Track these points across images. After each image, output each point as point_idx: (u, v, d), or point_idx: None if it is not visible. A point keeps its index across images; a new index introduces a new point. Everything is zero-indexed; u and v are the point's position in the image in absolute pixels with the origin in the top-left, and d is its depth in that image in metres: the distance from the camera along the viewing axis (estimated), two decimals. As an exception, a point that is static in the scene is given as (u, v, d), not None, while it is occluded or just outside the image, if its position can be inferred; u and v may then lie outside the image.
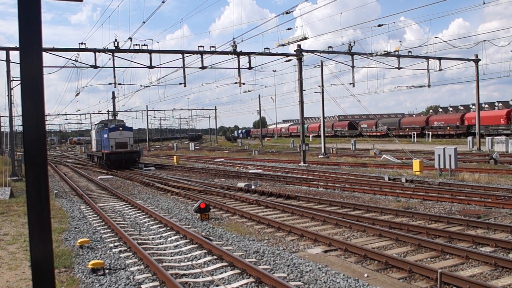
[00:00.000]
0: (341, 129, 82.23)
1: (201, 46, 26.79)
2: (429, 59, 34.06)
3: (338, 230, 10.72)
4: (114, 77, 26.70)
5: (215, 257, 8.26)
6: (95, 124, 38.49)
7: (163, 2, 18.62)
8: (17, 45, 2.28)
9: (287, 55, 29.71)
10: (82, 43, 24.61)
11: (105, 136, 32.53)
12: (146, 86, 34.11)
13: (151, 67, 26.13)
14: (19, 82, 20.37)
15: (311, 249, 8.97)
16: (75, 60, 24.76)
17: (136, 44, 25.03)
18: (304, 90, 30.40)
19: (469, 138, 41.05)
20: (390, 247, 9.02)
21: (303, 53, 29.73)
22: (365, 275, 7.14)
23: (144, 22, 21.31)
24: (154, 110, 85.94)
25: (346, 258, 8.30)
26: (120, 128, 32.24)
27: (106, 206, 15.34)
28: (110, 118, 44.37)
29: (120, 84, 30.93)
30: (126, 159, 32.25)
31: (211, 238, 9.88)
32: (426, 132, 61.09)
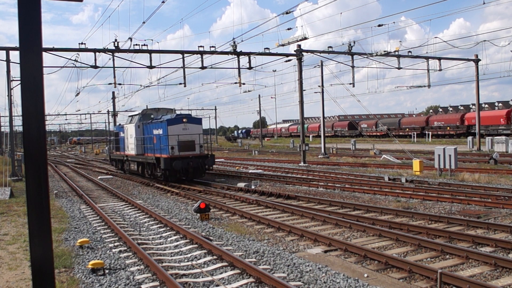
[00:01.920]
0: (341, 129, 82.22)
1: (201, 46, 26.80)
2: (429, 59, 34.07)
3: (338, 230, 10.72)
4: (114, 77, 26.70)
5: (215, 257, 8.27)
6: (130, 116, 26.01)
7: (163, 2, 18.63)
8: (17, 45, 2.28)
9: (287, 55, 29.71)
10: (82, 43, 24.61)
11: (159, 132, 21.50)
12: (146, 86, 34.08)
13: (151, 67, 26.13)
14: (19, 82, 20.37)
15: (311, 249, 8.97)
16: (75, 60, 24.76)
17: (136, 44, 25.04)
18: (304, 90, 30.42)
19: (469, 138, 41.04)
20: (390, 247, 9.02)
21: (303, 53, 29.73)
22: (365, 275, 7.14)
23: (144, 22, 21.32)
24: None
25: (346, 258, 8.30)
26: (184, 120, 21.12)
27: (106, 206, 15.34)
28: (156, 106, 28.00)
29: (120, 84, 30.91)
30: (195, 167, 20.94)
31: (211, 238, 9.88)
32: (426, 132, 61.11)
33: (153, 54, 26.06)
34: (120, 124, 28.90)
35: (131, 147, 24.81)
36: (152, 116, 24.31)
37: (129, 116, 26.39)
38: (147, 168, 23.34)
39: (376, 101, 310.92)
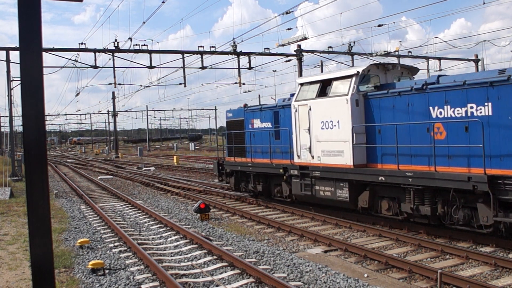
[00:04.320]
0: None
1: (201, 46, 26.79)
2: (429, 59, 34.08)
3: (338, 230, 10.72)
4: (114, 77, 26.69)
5: (215, 257, 8.26)
6: (311, 82, 12.37)
7: (163, 2, 18.63)
8: (18, 45, 2.27)
9: (287, 55, 29.71)
10: (82, 43, 24.61)
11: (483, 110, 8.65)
12: (146, 86, 34.09)
13: (151, 67, 26.12)
14: (19, 82, 20.39)
15: (311, 249, 8.97)
16: (75, 60, 24.76)
17: (136, 44, 25.01)
18: (304, 90, 30.39)
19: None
20: (390, 247, 9.02)
21: (303, 53, 29.73)
22: (365, 275, 7.14)
23: (144, 22, 21.31)
24: (154, 110, 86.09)
25: (346, 258, 8.30)
26: None
27: (106, 206, 15.34)
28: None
29: (120, 84, 30.93)
30: None
31: (211, 238, 9.88)
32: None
33: (153, 54, 26.02)
34: (248, 106, 15.58)
35: (324, 150, 11.58)
36: (378, 80, 11.56)
37: (303, 83, 12.67)
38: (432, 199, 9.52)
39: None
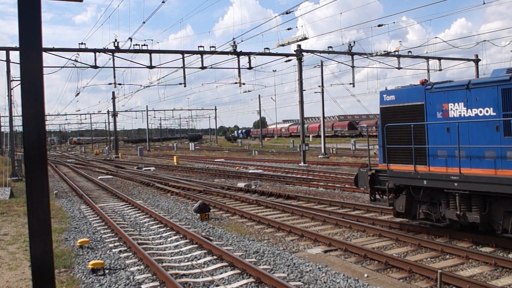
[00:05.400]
0: (341, 129, 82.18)
1: (201, 46, 26.82)
2: (429, 59, 34.08)
3: (338, 230, 10.72)
4: (114, 77, 26.73)
5: (215, 257, 8.26)
6: None
7: (163, 2, 18.64)
8: (18, 45, 2.27)
9: (287, 55, 29.73)
10: (82, 43, 24.62)
11: None
12: (146, 86, 34.15)
13: (151, 67, 26.14)
14: (19, 82, 20.40)
15: (311, 249, 8.97)
16: (75, 60, 24.77)
17: (136, 44, 25.05)
18: (304, 90, 30.43)
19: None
20: (390, 247, 9.02)
21: (303, 53, 29.74)
22: (365, 275, 7.14)
23: (144, 22, 21.36)
24: (154, 110, 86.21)
25: (346, 258, 8.30)
26: None
27: (106, 206, 15.34)
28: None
29: (120, 84, 30.98)
30: None
31: (211, 238, 9.88)
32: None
33: (153, 54, 26.08)
34: (433, 83, 9.60)
35: None
36: None
37: None
38: None
39: (376, 101, 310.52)
